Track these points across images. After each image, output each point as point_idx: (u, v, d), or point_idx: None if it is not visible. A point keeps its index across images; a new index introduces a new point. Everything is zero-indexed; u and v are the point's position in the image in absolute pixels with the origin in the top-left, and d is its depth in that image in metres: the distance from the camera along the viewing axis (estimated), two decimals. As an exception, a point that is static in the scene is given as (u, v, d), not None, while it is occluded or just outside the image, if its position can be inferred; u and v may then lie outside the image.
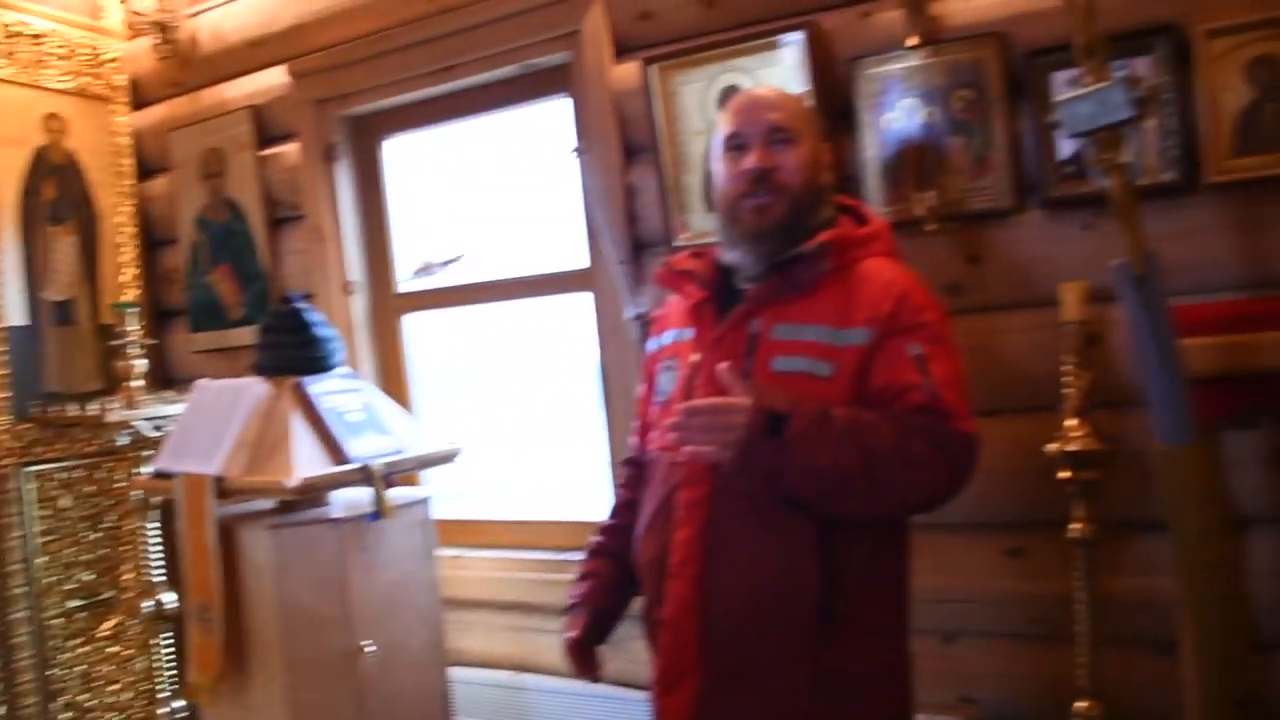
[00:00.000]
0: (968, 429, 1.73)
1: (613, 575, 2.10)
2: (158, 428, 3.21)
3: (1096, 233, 2.29)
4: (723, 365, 1.69)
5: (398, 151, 3.43)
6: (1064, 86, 2.17)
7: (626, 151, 2.83)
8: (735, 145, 1.89)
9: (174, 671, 3.29)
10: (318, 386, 2.71)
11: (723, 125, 1.93)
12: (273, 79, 3.40)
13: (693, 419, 1.64)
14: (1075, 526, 2.25)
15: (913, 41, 2.40)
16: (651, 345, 2.11)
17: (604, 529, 2.18)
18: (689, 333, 1.94)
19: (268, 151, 3.45)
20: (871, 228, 1.92)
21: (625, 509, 2.11)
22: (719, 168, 1.93)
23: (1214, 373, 2.15)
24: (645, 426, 2.09)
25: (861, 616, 1.78)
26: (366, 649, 2.58)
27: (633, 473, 2.13)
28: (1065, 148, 2.25)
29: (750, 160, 1.85)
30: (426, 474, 3.37)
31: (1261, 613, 2.23)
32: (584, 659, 2.10)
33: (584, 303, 3.04)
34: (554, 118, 3.10)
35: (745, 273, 1.90)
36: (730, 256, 1.93)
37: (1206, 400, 2.14)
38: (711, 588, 1.79)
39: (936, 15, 2.40)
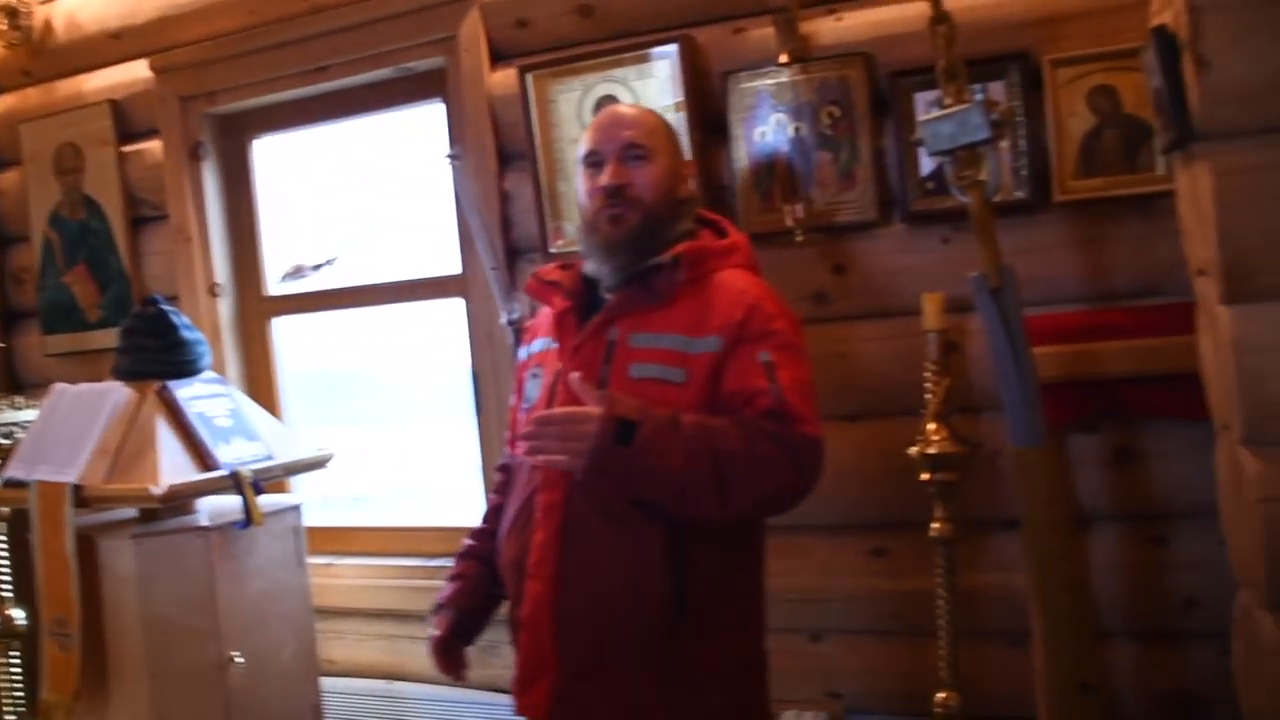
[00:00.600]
0: (813, 433, 1.78)
1: (480, 577, 2.12)
2: (7, 435, 3.07)
3: (955, 246, 2.41)
4: (575, 375, 1.75)
5: (270, 152, 3.36)
6: (926, 106, 2.28)
7: (501, 158, 2.83)
8: (593, 162, 1.96)
9: (22, 691, 3.14)
10: (184, 391, 2.65)
11: (583, 143, 2.01)
12: (135, 73, 3.28)
13: (545, 428, 1.69)
14: (935, 526, 2.35)
15: (784, 58, 2.47)
16: (522, 354, 2.16)
17: (474, 533, 2.20)
18: (555, 342, 1.99)
19: (129, 148, 3.33)
20: (729, 241, 1.99)
21: (495, 513, 2.14)
22: (579, 183, 2.01)
23: (1060, 379, 2.29)
24: (515, 433, 2.12)
25: (714, 614, 1.84)
26: (235, 660, 2.53)
27: (504, 479, 2.16)
28: (926, 165, 2.36)
29: (605, 176, 1.92)
30: (297, 480, 3.32)
31: (1102, 604, 2.39)
32: (449, 658, 2.12)
33: (457, 309, 3.03)
34: (429, 122, 3.09)
35: (604, 283, 1.95)
36: (590, 267, 1.98)
37: (1053, 405, 2.27)
38: (566, 587, 1.84)
39: (807, 34, 2.48)
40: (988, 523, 2.46)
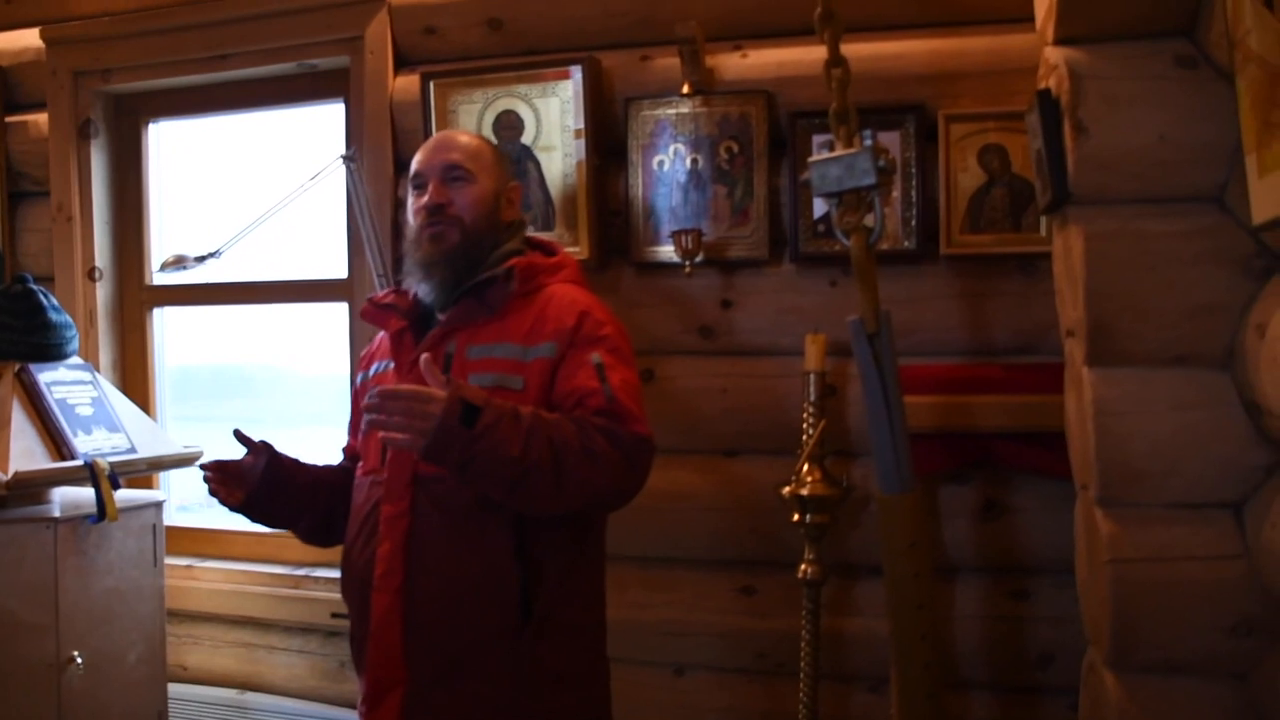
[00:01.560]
0: (644, 431, 1.81)
1: (308, 471, 2.08)
2: None
3: (842, 289, 2.43)
4: (425, 356, 1.75)
5: (165, 137, 3.25)
6: (820, 149, 2.30)
7: (398, 164, 2.78)
8: (418, 184, 2.01)
9: None
10: (45, 375, 2.54)
11: (412, 165, 2.05)
12: (25, 41, 3.15)
13: (390, 403, 1.66)
14: (803, 567, 2.36)
15: (686, 89, 2.47)
16: (359, 379, 2.14)
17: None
18: (392, 363, 2.01)
19: (14, 119, 3.19)
20: (558, 258, 2.06)
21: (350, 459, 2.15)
22: (407, 204, 2.04)
23: (935, 429, 2.32)
24: (350, 451, 2.17)
25: (562, 616, 1.87)
26: (75, 660, 2.41)
27: (348, 463, 2.16)
28: (819, 207, 2.38)
29: (425, 196, 1.97)
30: (168, 483, 3.21)
31: (962, 654, 2.41)
32: (227, 471, 2.00)
33: (340, 313, 2.97)
34: (328, 122, 3.03)
35: (430, 301, 1.99)
36: (412, 285, 2.01)
37: (927, 454, 2.30)
38: (414, 596, 1.84)
39: (712, 67, 2.49)
40: (857, 567, 2.47)
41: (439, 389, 1.66)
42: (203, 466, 1.99)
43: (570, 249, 2.44)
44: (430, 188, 1.98)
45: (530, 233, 2.16)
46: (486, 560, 1.83)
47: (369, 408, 1.68)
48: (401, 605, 1.84)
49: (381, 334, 2.12)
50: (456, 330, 1.93)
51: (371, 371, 2.08)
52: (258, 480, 1.97)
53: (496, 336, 1.90)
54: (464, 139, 2.07)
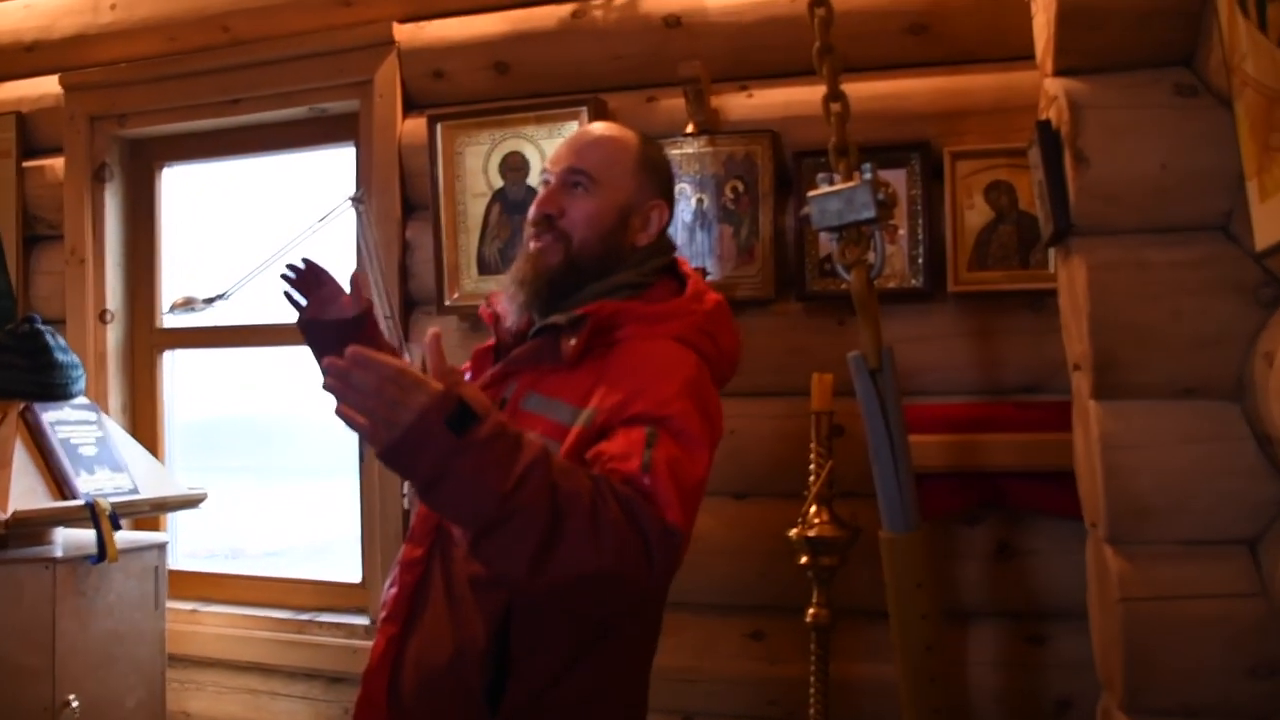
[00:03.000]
0: (675, 521, 1.39)
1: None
2: None
3: (850, 329, 2.40)
4: (433, 330, 1.38)
5: (177, 181, 3.29)
6: (824, 183, 2.29)
7: (406, 207, 2.81)
8: (544, 181, 1.74)
9: None
10: (50, 415, 2.55)
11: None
12: (44, 88, 3.21)
13: (361, 373, 1.26)
14: (811, 611, 2.31)
15: (690, 129, 2.48)
16: None
17: None
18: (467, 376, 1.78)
19: (31, 163, 3.24)
20: (670, 305, 1.67)
21: None
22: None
23: (944, 469, 2.28)
24: None
25: (549, 716, 1.58)
26: (71, 704, 2.38)
27: None
28: (825, 246, 2.37)
29: (537, 201, 1.71)
30: (175, 528, 3.20)
31: (975, 701, 2.35)
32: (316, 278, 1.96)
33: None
34: (338, 165, 3.06)
35: (512, 323, 1.71)
36: (504, 302, 1.74)
37: (936, 494, 2.26)
38: (403, 650, 1.66)
39: (717, 107, 2.51)
40: (866, 611, 2.42)
41: (437, 378, 1.30)
42: (292, 264, 1.87)
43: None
44: (547, 190, 1.70)
45: (681, 259, 1.81)
46: (460, 643, 1.58)
47: (332, 369, 1.26)
48: (393, 653, 1.66)
49: None
50: (521, 371, 1.65)
51: None
52: (330, 321, 1.89)
53: (560, 390, 1.59)
54: (606, 134, 1.74)
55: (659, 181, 1.76)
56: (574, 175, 1.68)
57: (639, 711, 1.74)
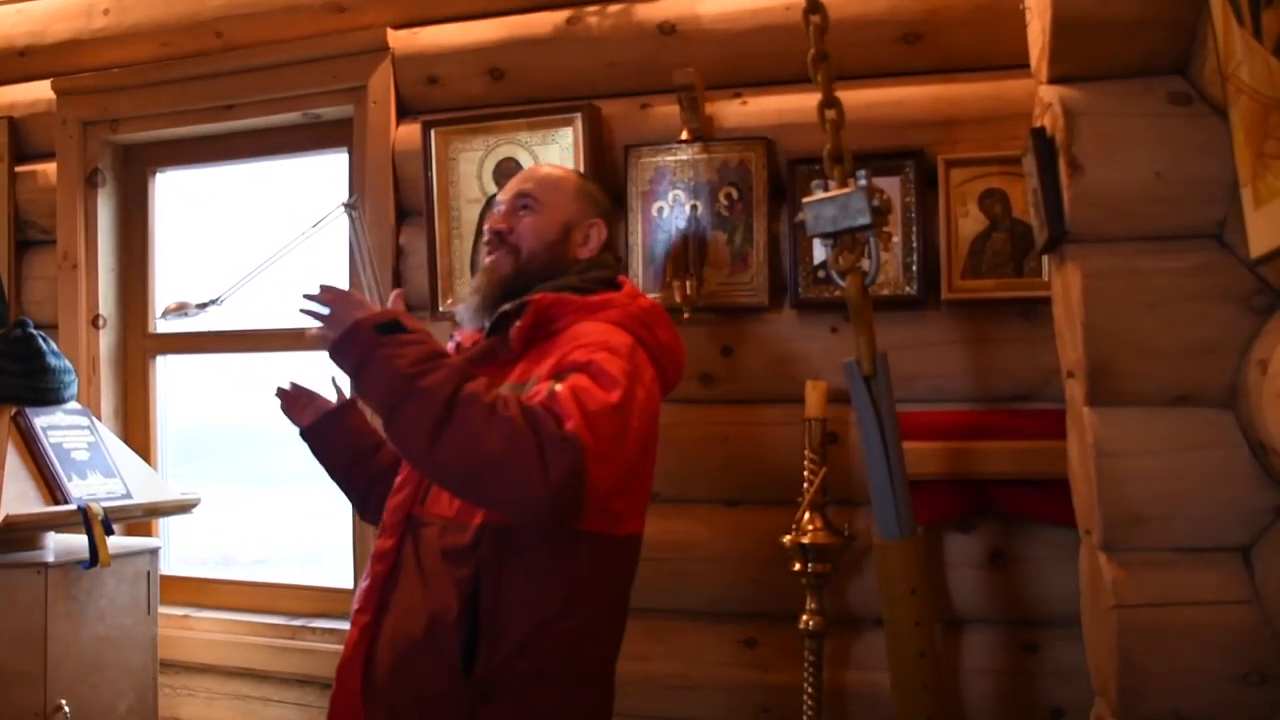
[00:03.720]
0: (572, 429, 1.54)
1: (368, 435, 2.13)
2: None
3: (843, 336, 2.41)
4: (397, 291, 1.85)
5: (172, 186, 3.28)
6: (818, 190, 2.29)
7: (399, 212, 2.81)
8: (495, 210, 1.99)
9: None
10: (42, 420, 2.54)
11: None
12: (36, 93, 3.20)
13: (325, 295, 1.64)
14: (805, 619, 2.31)
15: (685, 135, 2.49)
16: None
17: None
18: None
19: (23, 168, 3.23)
20: (605, 296, 1.87)
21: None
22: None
23: (937, 476, 2.28)
24: None
25: (521, 686, 1.72)
26: (62, 709, 2.37)
27: None
28: (819, 253, 2.37)
29: (490, 221, 1.96)
30: (165, 526, 3.18)
31: (969, 709, 2.35)
32: (301, 395, 2.13)
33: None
34: (332, 171, 3.05)
35: (473, 327, 1.95)
36: (463, 315, 1.98)
37: (929, 502, 2.26)
38: (376, 639, 1.79)
39: (711, 114, 2.51)
40: (860, 618, 2.42)
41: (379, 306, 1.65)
42: (280, 387, 2.10)
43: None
44: (498, 213, 1.97)
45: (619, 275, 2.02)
46: (433, 613, 1.72)
47: (309, 295, 1.64)
48: (365, 645, 1.80)
49: None
50: (482, 369, 1.76)
51: None
52: (323, 415, 2.08)
53: (517, 378, 1.78)
54: (549, 170, 2.05)
55: (597, 206, 2.03)
56: (521, 199, 1.95)
57: (606, 686, 1.88)
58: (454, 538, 1.73)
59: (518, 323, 1.80)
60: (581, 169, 2.51)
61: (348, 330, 1.59)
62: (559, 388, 1.61)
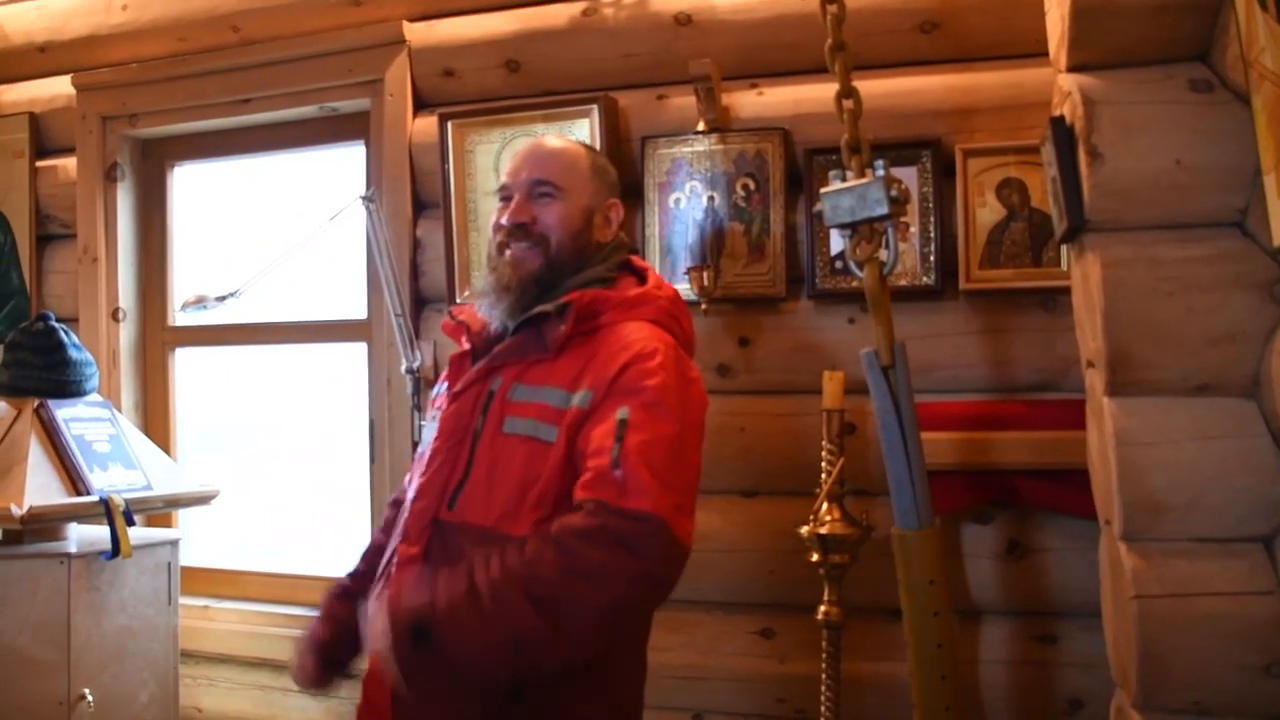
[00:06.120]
0: (643, 506, 1.51)
1: (351, 620, 1.88)
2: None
3: (860, 326, 2.40)
4: (374, 600, 1.59)
5: (190, 180, 3.30)
6: (836, 180, 2.29)
7: (416, 205, 2.82)
8: (504, 197, 1.87)
9: None
10: (64, 412, 2.56)
11: (501, 174, 1.92)
12: (57, 88, 3.23)
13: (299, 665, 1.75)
14: (822, 609, 2.30)
15: (702, 126, 2.48)
16: (434, 392, 2.04)
17: (351, 573, 2.03)
18: (445, 385, 1.90)
19: (44, 163, 3.26)
20: (639, 291, 1.82)
21: (376, 554, 1.96)
22: (492, 219, 1.90)
23: (956, 466, 2.28)
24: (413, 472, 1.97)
25: (563, 705, 1.68)
26: (85, 698, 2.40)
27: (392, 515, 2.00)
28: (836, 243, 2.36)
29: (507, 212, 1.83)
30: (185, 517, 3.20)
31: (988, 700, 2.34)
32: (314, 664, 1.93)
33: (359, 354, 2.97)
34: (349, 164, 3.06)
35: (498, 328, 1.83)
36: (484, 310, 1.86)
37: (947, 492, 2.26)
38: None
39: (728, 105, 2.50)
40: (877, 609, 2.42)
41: (378, 621, 1.51)
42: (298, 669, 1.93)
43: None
44: (514, 202, 1.82)
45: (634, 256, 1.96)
46: None
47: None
48: None
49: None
50: (506, 365, 1.76)
51: (441, 389, 1.93)
52: (343, 627, 1.88)
53: (545, 378, 1.71)
54: (557, 146, 1.90)
55: (610, 183, 1.94)
56: (540, 186, 1.82)
57: (640, 676, 1.86)
58: (493, 548, 1.61)
59: (562, 327, 1.72)
60: (599, 160, 2.51)
61: (406, 667, 1.49)
62: (622, 454, 1.55)
